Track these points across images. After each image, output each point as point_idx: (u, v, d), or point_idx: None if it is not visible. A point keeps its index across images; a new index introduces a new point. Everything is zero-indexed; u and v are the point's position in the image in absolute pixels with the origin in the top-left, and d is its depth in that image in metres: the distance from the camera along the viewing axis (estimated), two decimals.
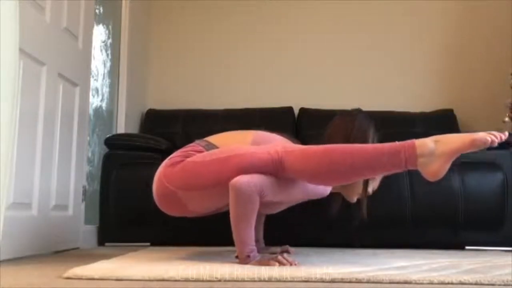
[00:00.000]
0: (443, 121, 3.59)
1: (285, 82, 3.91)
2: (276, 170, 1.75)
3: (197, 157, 1.84)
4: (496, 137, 1.58)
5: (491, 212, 2.74)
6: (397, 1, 3.93)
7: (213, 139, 1.97)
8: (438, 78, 3.84)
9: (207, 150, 1.88)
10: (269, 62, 3.95)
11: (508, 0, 3.79)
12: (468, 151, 1.60)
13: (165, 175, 1.86)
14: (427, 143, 1.62)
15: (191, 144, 1.95)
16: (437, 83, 3.84)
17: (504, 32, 3.77)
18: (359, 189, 2.07)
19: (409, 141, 1.64)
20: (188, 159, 1.84)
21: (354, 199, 2.13)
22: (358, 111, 2.14)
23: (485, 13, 3.86)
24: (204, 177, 1.79)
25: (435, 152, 1.61)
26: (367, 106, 3.66)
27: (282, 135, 2.03)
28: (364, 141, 2.01)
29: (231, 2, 3.99)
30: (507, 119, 3.23)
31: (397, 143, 1.65)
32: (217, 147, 1.89)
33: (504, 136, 1.59)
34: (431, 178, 1.65)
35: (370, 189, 2.10)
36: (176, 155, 1.91)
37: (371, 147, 1.71)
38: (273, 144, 1.85)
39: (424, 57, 3.88)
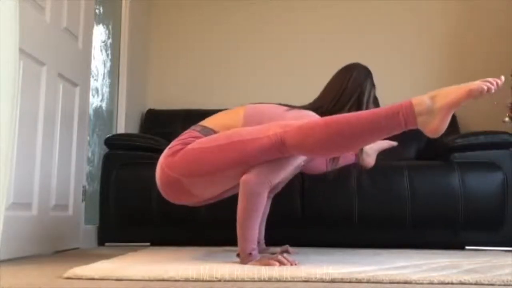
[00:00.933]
0: None
1: (285, 82, 3.91)
2: (280, 152, 1.75)
3: (197, 144, 1.84)
4: (491, 83, 1.56)
5: (491, 212, 2.74)
6: (397, 1, 3.93)
7: (207, 122, 1.97)
8: (438, 78, 3.83)
9: (204, 134, 1.88)
10: (269, 62, 3.95)
11: (508, 0, 3.79)
12: (466, 101, 1.58)
13: (166, 165, 1.86)
14: (424, 101, 1.61)
15: (187, 131, 1.95)
16: (437, 83, 3.83)
17: (504, 32, 3.77)
18: None
19: (406, 101, 1.62)
20: (188, 146, 1.85)
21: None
22: (357, 64, 2.15)
23: (485, 13, 3.86)
24: (206, 164, 1.80)
25: (433, 108, 1.59)
26: None
27: (272, 104, 2.03)
28: (360, 93, 2.04)
29: (231, 2, 3.99)
30: (507, 119, 3.22)
31: (394, 104, 1.64)
32: (212, 130, 1.89)
33: (500, 81, 1.57)
34: (432, 135, 1.62)
35: (366, 147, 2.11)
36: (175, 143, 1.91)
37: (368, 112, 1.71)
38: (270, 124, 1.82)
39: (424, 57, 3.88)
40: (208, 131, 1.89)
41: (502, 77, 1.58)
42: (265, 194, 1.77)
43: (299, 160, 1.93)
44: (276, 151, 1.75)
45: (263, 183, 1.75)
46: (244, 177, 1.75)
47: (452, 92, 1.59)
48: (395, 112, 1.61)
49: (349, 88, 2.06)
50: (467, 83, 1.58)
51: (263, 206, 1.77)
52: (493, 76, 3.91)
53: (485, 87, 1.55)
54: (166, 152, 1.91)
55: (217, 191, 1.91)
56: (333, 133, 1.68)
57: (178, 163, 1.84)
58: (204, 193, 1.90)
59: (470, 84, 1.57)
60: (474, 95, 1.56)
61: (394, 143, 2.32)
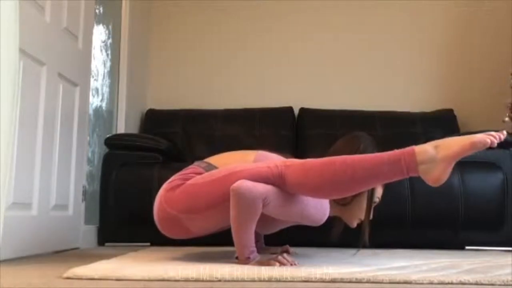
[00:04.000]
0: (443, 121, 3.59)
1: (285, 82, 3.91)
2: (277, 185, 1.72)
3: (197, 179, 1.82)
4: (495, 137, 1.59)
5: (491, 212, 2.74)
6: (397, 1, 3.93)
7: (213, 160, 1.95)
8: (438, 78, 3.84)
9: (207, 171, 1.85)
10: (269, 62, 3.95)
11: (508, 0, 3.79)
12: (469, 153, 1.61)
13: (166, 199, 1.84)
14: (427, 150, 1.61)
15: (191, 166, 1.93)
16: (437, 83, 3.84)
17: (504, 32, 3.76)
18: (359, 213, 2.01)
19: (408, 149, 1.63)
20: (188, 182, 1.82)
21: (354, 224, 2.06)
22: (361, 134, 2.11)
23: (485, 13, 3.86)
24: (205, 198, 1.77)
25: (436, 157, 1.60)
26: (367, 106, 3.69)
27: (282, 155, 1.98)
28: None
29: (231, 3, 3.99)
30: (507, 119, 3.23)
31: (396, 151, 1.64)
32: (217, 168, 1.86)
33: (503, 135, 1.60)
34: (433, 184, 1.63)
35: (371, 215, 2.05)
36: (176, 178, 1.88)
37: (371, 157, 1.69)
38: (273, 159, 1.82)
39: (424, 57, 3.88)
40: (212, 169, 1.86)
41: (504, 132, 1.61)
42: (257, 204, 1.68)
43: (297, 216, 1.85)
44: (273, 183, 1.71)
45: (255, 191, 1.67)
46: (236, 183, 1.68)
47: (456, 143, 1.61)
48: (397, 159, 1.62)
49: None
50: (470, 135, 1.62)
51: (256, 216, 1.70)
52: (493, 75, 3.91)
53: (489, 141, 1.58)
54: (165, 186, 1.88)
55: (216, 226, 1.87)
56: (336, 173, 1.66)
57: (178, 197, 1.81)
58: (202, 229, 1.87)
59: (474, 136, 1.60)
60: (477, 148, 1.59)
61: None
